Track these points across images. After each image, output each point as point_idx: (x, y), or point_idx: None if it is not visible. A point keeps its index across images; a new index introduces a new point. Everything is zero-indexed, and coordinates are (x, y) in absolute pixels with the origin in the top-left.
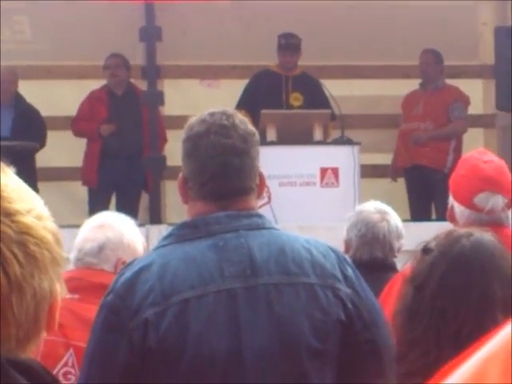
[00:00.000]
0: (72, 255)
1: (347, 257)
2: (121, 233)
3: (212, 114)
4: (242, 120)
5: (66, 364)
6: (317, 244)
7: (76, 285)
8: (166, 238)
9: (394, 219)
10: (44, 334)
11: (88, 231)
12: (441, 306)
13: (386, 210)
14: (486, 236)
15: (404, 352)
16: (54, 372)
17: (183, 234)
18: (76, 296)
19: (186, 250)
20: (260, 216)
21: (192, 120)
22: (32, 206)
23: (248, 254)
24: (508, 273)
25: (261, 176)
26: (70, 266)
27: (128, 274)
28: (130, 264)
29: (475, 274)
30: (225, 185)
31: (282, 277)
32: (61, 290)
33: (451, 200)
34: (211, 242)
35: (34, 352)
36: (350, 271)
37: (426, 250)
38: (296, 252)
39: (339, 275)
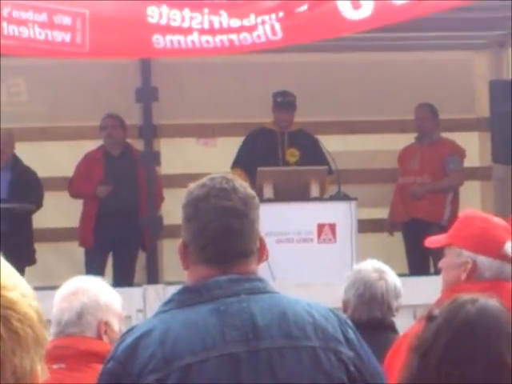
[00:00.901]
0: (51, 330)
1: (348, 319)
2: (96, 295)
3: (212, 179)
4: (242, 184)
5: None
6: (318, 307)
7: (61, 353)
8: (166, 303)
9: (392, 278)
10: None
11: (62, 301)
12: (446, 373)
13: (383, 269)
14: (491, 301)
15: None
16: None
17: (184, 299)
18: (62, 365)
19: (188, 316)
20: (261, 280)
21: (192, 185)
22: (18, 284)
23: (250, 318)
24: None
25: (261, 240)
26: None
27: (129, 340)
28: (130, 330)
29: (480, 342)
30: (225, 247)
31: (284, 341)
32: (42, 373)
33: (471, 256)
34: (213, 306)
35: None
36: (351, 334)
37: (430, 317)
38: (298, 316)
39: (341, 338)
